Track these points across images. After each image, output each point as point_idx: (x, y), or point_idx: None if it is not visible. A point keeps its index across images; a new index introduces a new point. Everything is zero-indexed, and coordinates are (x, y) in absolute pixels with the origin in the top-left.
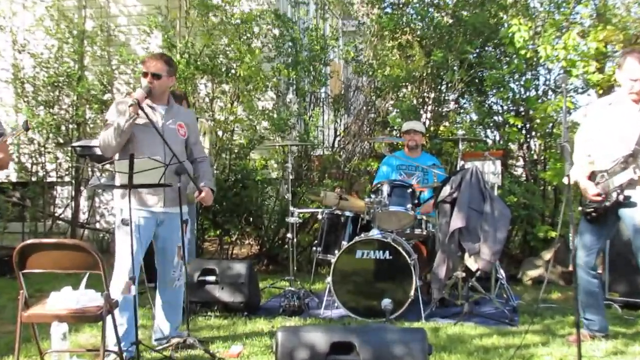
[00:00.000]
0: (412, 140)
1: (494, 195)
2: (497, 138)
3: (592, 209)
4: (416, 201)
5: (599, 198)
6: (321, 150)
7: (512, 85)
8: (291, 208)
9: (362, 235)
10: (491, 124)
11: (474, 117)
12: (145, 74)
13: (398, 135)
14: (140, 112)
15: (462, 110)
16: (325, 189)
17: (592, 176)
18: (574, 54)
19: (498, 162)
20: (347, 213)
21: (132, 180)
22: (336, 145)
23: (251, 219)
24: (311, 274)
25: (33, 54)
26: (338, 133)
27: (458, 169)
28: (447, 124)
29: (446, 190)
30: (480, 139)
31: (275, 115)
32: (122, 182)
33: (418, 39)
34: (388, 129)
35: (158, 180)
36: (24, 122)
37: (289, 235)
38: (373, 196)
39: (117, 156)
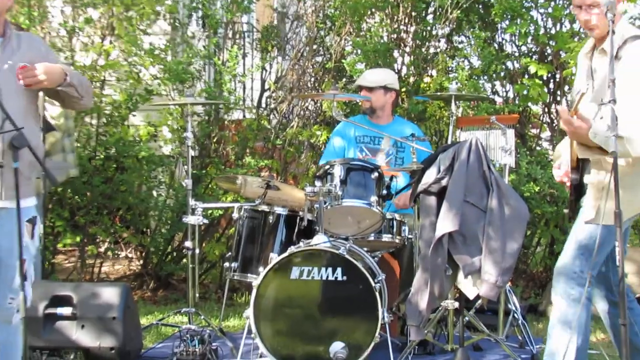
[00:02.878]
0: (364, 101)
1: (503, 183)
2: (510, 95)
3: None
4: (385, 192)
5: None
6: (240, 113)
7: (533, 13)
8: (192, 202)
9: (301, 244)
10: (501, 74)
11: (475, 62)
12: None
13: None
14: None
15: (456, 53)
16: (245, 172)
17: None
18: None
19: (511, 133)
20: (279, 210)
21: None
22: (264, 104)
23: (130, 218)
24: (222, 303)
25: None
26: (267, 86)
27: (449, 142)
28: (433, 73)
29: (431, 174)
30: (484, 97)
31: (169, 58)
32: None
33: None
34: (344, 80)
35: None
36: None
37: (187, 244)
38: (319, 184)
39: None
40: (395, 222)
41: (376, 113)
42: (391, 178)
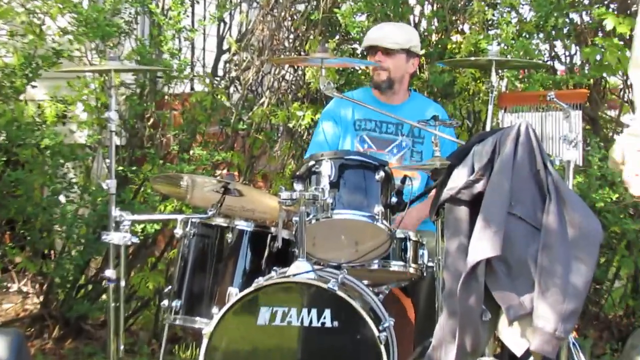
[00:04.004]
0: (379, 71)
1: (566, 188)
2: (577, 62)
3: None
4: (395, 199)
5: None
6: (188, 85)
7: None
8: (116, 212)
9: (273, 274)
10: (564, 31)
11: (527, 13)
12: None
13: (360, 54)
14: None
15: (499, 0)
16: (193, 169)
17: None
18: None
19: (577, 116)
20: (241, 224)
21: None
22: (221, 72)
23: (26, 234)
24: (157, 359)
25: None
26: (226, 46)
27: (488, 128)
28: (466, 29)
29: (461, 175)
30: (540, 64)
31: (85, 4)
32: None
33: None
34: (336, 38)
35: None
36: None
37: (108, 272)
38: (299, 187)
39: None
40: (409, 244)
41: (393, 88)
42: (404, 180)
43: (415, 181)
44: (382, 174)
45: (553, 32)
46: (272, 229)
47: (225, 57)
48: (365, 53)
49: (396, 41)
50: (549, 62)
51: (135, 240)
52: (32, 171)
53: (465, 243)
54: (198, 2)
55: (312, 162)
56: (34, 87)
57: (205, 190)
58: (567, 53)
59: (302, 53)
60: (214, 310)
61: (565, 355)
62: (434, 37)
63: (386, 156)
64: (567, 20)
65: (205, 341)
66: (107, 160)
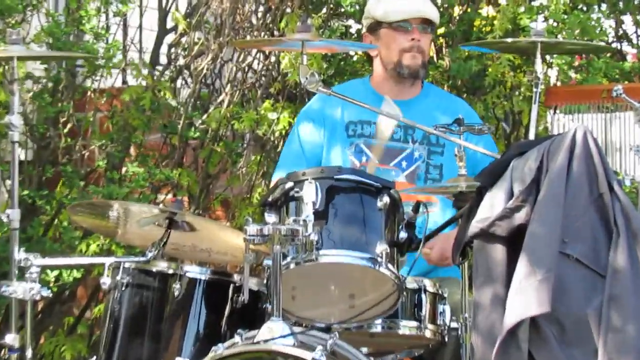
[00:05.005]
0: (415, 53)
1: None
2: None
3: None
4: (404, 235)
5: None
6: (119, 78)
7: None
8: (20, 254)
9: (237, 338)
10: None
11: None
12: None
13: (355, 34)
14: None
15: None
16: (127, 194)
17: None
18: None
19: None
20: (192, 271)
21: None
22: (164, 60)
23: None
24: None
25: None
26: (171, 24)
27: (532, 136)
28: None
29: (496, 200)
30: (602, 47)
31: None
32: None
33: None
34: (323, 11)
35: None
36: None
37: (9, 338)
38: (272, 218)
39: None
40: (424, 297)
41: (421, 78)
42: (417, 207)
43: (432, 208)
44: (386, 199)
45: (620, 3)
46: (236, 277)
47: (169, 38)
48: (368, 29)
49: (436, 14)
50: (614, 44)
51: (47, 293)
52: None
53: (502, 295)
54: None
55: (289, 184)
56: None
57: (143, 224)
58: (639, 31)
59: (276, 33)
60: None
61: None
62: (457, 11)
63: (392, 173)
64: None
65: None
66: (8, 182)
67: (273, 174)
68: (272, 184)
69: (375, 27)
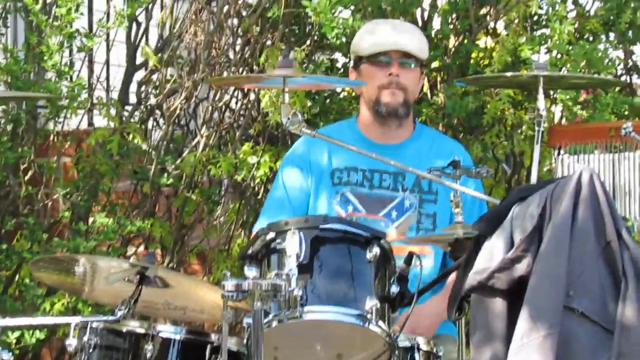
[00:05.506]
0: (394, 89)
1: None
2: None
3: None
4: (396, 289)
5: None
6: (84, 119)
7: None
8: None
9: None
10: None
11: (591, 4)
12: None
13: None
14: None
15: None
16: (93, 247)
17: None
18: None
19: None
20: (166, 330)
21: None
22: (133, 98)
23: None
24: None
25: None
26: (141, 59)
27: (534, 179)
28: (500, 27)
29: (495, 250)
30: (610, 81)
31: None
32: None
33: None
34: (307, 44)
35: None
36: None
37: None
38: (252, 272)
39: None
40: (417, 356)
41: (405, 117)
42: (409, 259)
43: (426, 260)
44: (376, 250)
45: (630, 32)
46: (213, 337)
47: (139, 75)
48: (352, 65)
49: (421, 47)
50: (624, 78)
51: (8, 356)
52: None
53: (502, 353)
54: None
55: (271, 235)
56: None
57: (112, 280)
58: None
59: (255, 68)
60: None
61: None
62: (452, 42)
63: (382, 223)
64: None
65: None
66: None
67: (254, 223)
68: (252, 235)
69: (357, 62)
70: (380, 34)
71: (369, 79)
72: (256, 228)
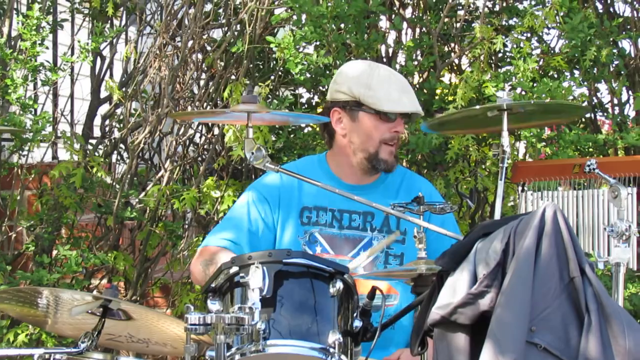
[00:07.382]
0: (393, 146)
1: (614, 305)
2: (631, 114)
3: None
4: (359, 323)
5: None
6: (48, 152)
7: None
8: None
9: None
10: (611, 67)
11: (555, 42)
12: None
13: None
14: None
15: (513, 22)
16: (57, 279)
17: None
18: None
19: (630, 196)
20: None
21: None
22: (97, 132)
23: None
24: None
25: None
26: (105, 93)
27: (498, 215)
28: (464, 64)
29: (459, 286)
30: (577, 105)
31: None
32: None
33: None
34: (271, 79)
35: None
36: None
37: None
38: (215, 306)
39: None
40: None
41: (391, 171)
42: (373, 293)
43: (392, 301)
44: (339, 285)
45: (594, 70)
46: None
47: (103, 109)
48: (342, 105)
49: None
50: (588, 115)
51: None
52: None
53: None
54: (62, 27)
55: (234, 269)
56: None
57: (75, 312)
58: (615, 100)
59: (219, 103)
60: None
61: None
62: (417, 79)
63: (349, 263)
64: (614, 51)
65: None
66: None
67: (202, 241)
68: (199, 250)
69: (355, 107)
70: (398, 94)
71: (371, 131)
72: (206, 241)
